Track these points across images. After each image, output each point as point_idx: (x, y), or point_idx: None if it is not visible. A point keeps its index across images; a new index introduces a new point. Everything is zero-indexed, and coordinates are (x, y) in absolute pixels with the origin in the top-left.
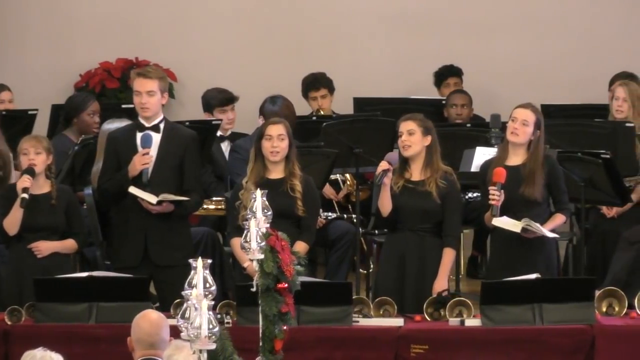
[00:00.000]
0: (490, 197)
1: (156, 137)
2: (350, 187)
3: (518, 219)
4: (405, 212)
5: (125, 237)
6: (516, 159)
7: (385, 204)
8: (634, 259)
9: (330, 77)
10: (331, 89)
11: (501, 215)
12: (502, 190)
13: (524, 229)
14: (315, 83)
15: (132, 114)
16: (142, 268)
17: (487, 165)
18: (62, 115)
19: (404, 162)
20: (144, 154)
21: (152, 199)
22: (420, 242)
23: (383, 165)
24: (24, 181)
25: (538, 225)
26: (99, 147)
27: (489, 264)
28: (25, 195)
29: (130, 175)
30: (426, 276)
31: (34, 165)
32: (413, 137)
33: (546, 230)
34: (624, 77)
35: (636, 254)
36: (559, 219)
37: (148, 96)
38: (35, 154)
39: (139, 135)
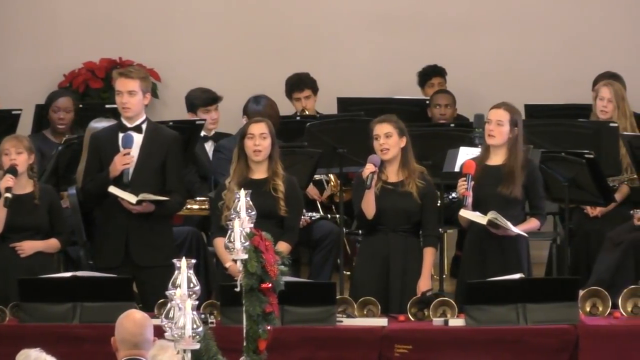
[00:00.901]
0: (460, 188)
1: (138, 138)
2: (334, 188)
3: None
4: (388, 214)
5: (107, 237)
6: (497, 159)
7: (370, 207)
8: (618, 260)
9: (313, 77)
10: (315, 90)
11: (477, 211)
12: (472, 183)
13: (490, 222)
14: (299, 84)
15: (116, 114)
16: (124, 268)
17: None
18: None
19: (379, 164)
20: (124, 154)
21: (131, 198)
22: (404, 242)
23: (370, 168)
24: (7, 181)
25: (505, 220)
26: (84, 147)
27: (462, 262)
28: (9, 195)
29: (112, 175)
30: (410, 276)
31: (16, 165)
32: (391, 140)
33: (512, 226)
34: (607, 77)
35: (620, 255)
36: (533, 223)
37: (129, 96)
38: (16, 153)
39: (120, 135)
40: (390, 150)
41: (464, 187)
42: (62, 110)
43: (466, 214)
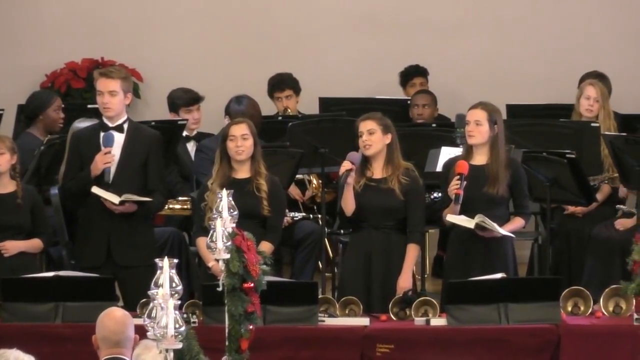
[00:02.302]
0: (452, 187)
1: (120, 137)
2: (316, 190)
3: None
4: (369, 210)
5: (89, 237)
6: (480, 158)
7: (349, 204)
8: (605, 260)
9: (295, 77)
10: (297, 90)
11: (463, 212)
12: (465, 182)
13: (477, 225)
14: (280, 84)
15: (98, 114)
16: (106, 268)
17: (449, 164)
18: (24, 114)
19: (365, 161)
20: (105, 153)
21: (114, 198)
22: (385, 239)
23: (346, 165)
24: None
25: (492, 222)
26: (67, 147)
27: (446, 262)
28: None
29: (93, 174)
30: (393, 273)
31: None
32: (373, 137)
33: (499, 228)
34: (594, 76)
35: (607, 254)
36: (518, 222)
37: (110, 96)
38: None
39: (102, 134)
40: (373, 146)
41: (457, 186)
42: (60, 109)
43: (453, 218)
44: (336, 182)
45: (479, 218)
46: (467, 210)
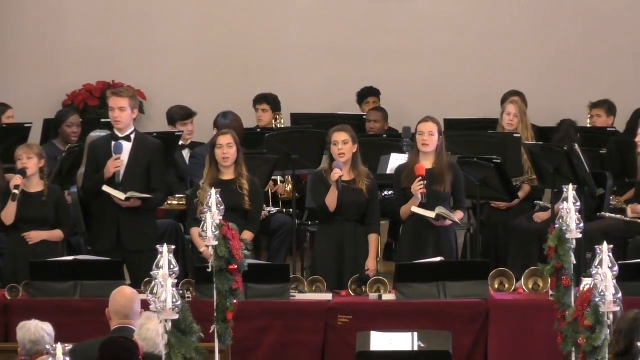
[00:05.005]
0: (417, 187)
1: (128, 146)
2: (285, 190)
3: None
4: (344, 206)
5: (102, 227)
6: (427, 163)
7: (333, 201)
8: (525, 246)
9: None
10: (274, 107)
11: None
12: (425, 181)
13: (437, 215)
14: (261, 99)
15: (110, 127)
16: (116, 252)
17: (401, 169)
18: (49, 127)
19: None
20: (116, 159)
21: (121, 195)
22: (354, 229)
23: (338, 172)
24: (16, 180)
25: (449, 213)
26: (85, 153)
27: (399, 247)
28: (16, 191)
29: (106, 176)
30: (360, 257)
31: (26, 168)
32: (347, 146)
33: (455, 217)
34: (513, 94)
35: (527, 242)
36: (458, 214)
37: (120, 111)
38: (27, 159)
39: (113, 143)
40: (346, 154)
41: (420, 186)
42: (74, 125)
43: (417, 210)
44: (305, 182)
45: (439, 210)
46: (419, 204)
